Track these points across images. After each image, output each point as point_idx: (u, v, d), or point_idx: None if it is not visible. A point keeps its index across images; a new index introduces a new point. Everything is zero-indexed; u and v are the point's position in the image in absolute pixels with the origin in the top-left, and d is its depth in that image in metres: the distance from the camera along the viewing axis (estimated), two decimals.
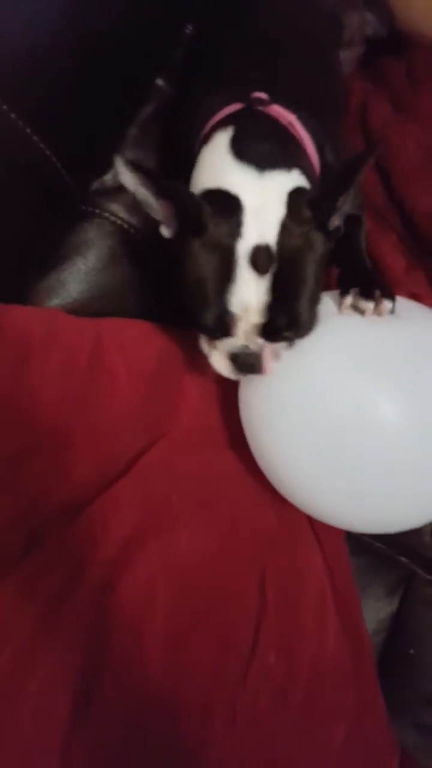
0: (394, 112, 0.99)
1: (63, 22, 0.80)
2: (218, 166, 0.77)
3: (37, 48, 0.78)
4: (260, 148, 0.77)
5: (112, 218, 1.01)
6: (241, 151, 0.76)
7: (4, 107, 0.76)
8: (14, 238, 0.88)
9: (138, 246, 1.02)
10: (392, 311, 0.76)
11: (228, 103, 0.84)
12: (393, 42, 1.05)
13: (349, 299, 0.77)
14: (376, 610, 0.97)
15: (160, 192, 0.72)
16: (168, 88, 1.06)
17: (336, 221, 0.76)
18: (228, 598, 0.76)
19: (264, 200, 0.72)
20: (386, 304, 0.76)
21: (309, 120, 0.84)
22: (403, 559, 0.99)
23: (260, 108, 0.83)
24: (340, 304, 0.77)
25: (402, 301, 0.79)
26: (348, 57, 1.08)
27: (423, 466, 0.74)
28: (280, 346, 0.76)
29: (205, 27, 1.07)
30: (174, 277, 0.77)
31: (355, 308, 0.77)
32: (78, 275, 0.99)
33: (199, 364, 0.94)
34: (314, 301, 0.75)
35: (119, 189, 1.02)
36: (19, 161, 0.82)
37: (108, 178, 1.02)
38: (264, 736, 0.71)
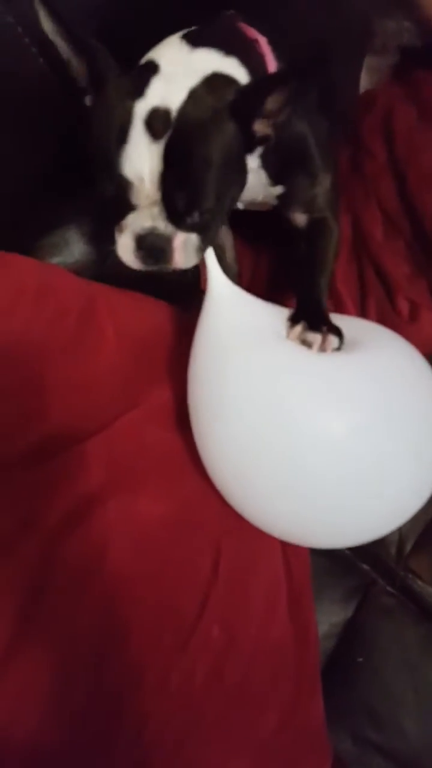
0: (418, 119, 0.99)
1: None
2: (159, 45, 0.75)
3: None
4: (207, 34, 0.75)
5: None
6: (189, 34, 0.74)
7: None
8: (26, 190, 0.89)
9: None
10: (339, 348, 0.74)
11: None
12: (427, 54, 1.05)
13: (298, 329, 0.75)
14: (330, 614, 0.95)
15: (74, 43, 0.67)
16: None
17: (264, 128, 0.71)
18: (179, 567, 0.75)
19: (183, 69, 0.69)
20: (332, 340, 0.74)
21: (285, 51, 0.79)
22: (365, 566, 0.98)
23: (228, 20, 0.80)
24: (288, 332, 0.76)
25: (364, 325, 0.79)
26: (380, 64, 1.08)
27: (368, 485, 0.72)
28: (192, 238, 0.73)
29: None
30: None
31: (303, 342, 0.74)
32: (84, 237, 0.99)
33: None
34: (218, 188, 0.70)
35: None
36: (41, 101, 0.83)
37: None
38: (193, 710, 0.70)
